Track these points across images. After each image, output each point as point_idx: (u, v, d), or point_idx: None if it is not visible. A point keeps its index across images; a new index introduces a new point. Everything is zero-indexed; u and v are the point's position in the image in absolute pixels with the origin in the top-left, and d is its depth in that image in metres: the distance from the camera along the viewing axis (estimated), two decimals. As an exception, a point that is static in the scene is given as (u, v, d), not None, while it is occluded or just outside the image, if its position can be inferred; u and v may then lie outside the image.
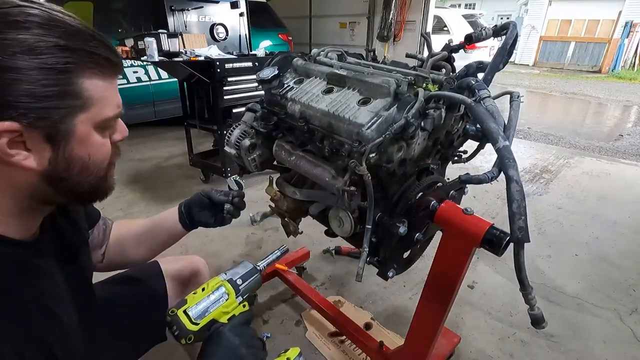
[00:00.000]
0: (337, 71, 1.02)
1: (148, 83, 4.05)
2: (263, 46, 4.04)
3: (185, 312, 0.65)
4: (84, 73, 0.49)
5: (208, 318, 0.66)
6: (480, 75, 0.94)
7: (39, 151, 0.49)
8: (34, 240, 0.58)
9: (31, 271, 0.55)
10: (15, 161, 0.47)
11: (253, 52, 3.40)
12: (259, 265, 0.79)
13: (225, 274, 0.74)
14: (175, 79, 3.05)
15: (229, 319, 0.68)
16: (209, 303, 0.67)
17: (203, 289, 0.70)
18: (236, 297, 0.70)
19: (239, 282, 0.72)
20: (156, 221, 0.95)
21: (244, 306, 0.71)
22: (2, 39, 0.43)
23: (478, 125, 0.85)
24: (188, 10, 4.15)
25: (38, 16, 0.46)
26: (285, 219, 1.31)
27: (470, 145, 1.06)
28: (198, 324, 0.64)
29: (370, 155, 0.83)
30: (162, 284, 1.01)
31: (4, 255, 0.52)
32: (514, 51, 0.94)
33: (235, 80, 2.72)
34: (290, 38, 5.84)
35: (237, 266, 0.77)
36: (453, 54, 1.07)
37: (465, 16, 8.12)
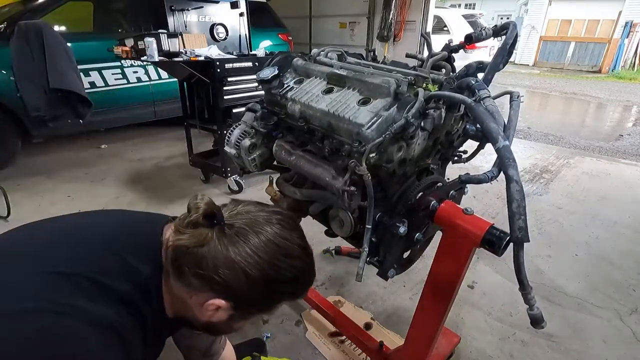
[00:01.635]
0: (337, 71, 1.02)
1: (148, 83, 4.04)
2: (263, 46, 4.03)
3: None
4: (288, 301, 0.72)
5: None
6: (480, 75, 0.94)
7: (217, 317, 0.68)
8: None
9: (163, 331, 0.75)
10: (203, 316, 0.68)
11: (253, 52, 3.40)
12: None
13: None
14: (175, 79, 3.05)
15: None
16: None
17: None
18: None
19: None
20: None
21: None
22: (262, 290, 0.66)
23: (478, 125, 0.85)
24: (188, 10, 4.14)
25: (297, 269, 0.68)
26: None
27: (470, 145, 1.06)
28: None
29: (370, 155, 0.83)
30: None
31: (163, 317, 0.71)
32: (514, 51, 0.94)
33: (235, 80, 2.72)
34: (290, 38, 5.83)
35: None
36: (453, 54, 1.07)
37: (465, 16, 8.12)
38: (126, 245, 0.66)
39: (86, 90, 3.14)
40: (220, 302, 0.64)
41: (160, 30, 2.80)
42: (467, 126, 0.92)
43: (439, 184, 1.02)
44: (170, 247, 0.65)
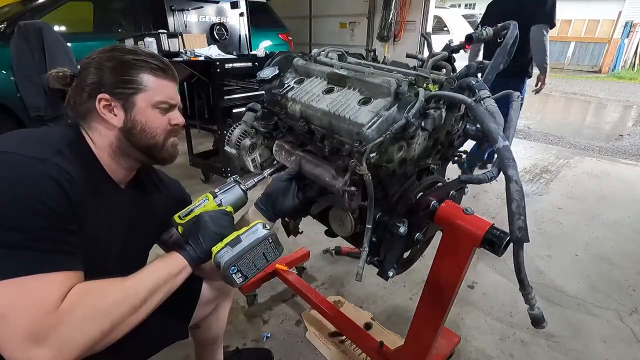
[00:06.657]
0: (337, 71, 1.01)
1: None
2: (263, 46, 4.04)
3: (179, 216, 0.92)
4: (144, 71, 0.83)
5: (191, 215, 0.91)
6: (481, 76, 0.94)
7: (119, 115, 0.82)
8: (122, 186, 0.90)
9: (109, 188, 0.85)
10: (107, 118, 0.81)
11: (253, 52, 3.40)
12: (241, 183, 1.01)
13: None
14: (175, 79, 3.05)
15: None
16: (194, 206, 0.93)
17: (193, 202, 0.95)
18: (214, 200, 0.94)
19: (217, 191, 0.97)
20: None
21: (225, 208, 0.93)
22: (112, 67, 0.82)
23: (478, 125, 0.85)
24: (188, 10, 4.15)
25: (138, 54, 0.85)
26: (286, 219, 1.31)
27: (470, 145, 1.06)
28: (183, 219, 0.91)
29: (371, 155, 0.83)
30: (198, 280, 1.05)
31: (97, 175, 0.81)
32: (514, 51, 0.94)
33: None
34: (290, 38, 5.83)
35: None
36: (453, 54, 1.07)
37: (465, 16, 8.12)
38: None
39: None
40: (101, 96, 0.80)
41: (160, 31, 2.81)
42: (467, 126, 0.92)
43: (439, 184, 1.02)
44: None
